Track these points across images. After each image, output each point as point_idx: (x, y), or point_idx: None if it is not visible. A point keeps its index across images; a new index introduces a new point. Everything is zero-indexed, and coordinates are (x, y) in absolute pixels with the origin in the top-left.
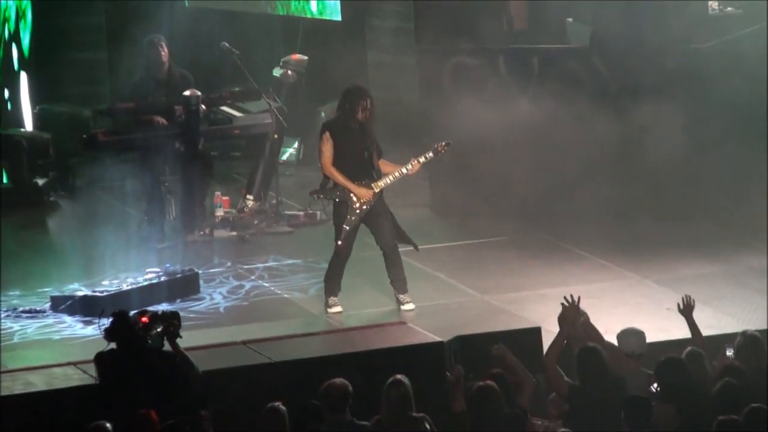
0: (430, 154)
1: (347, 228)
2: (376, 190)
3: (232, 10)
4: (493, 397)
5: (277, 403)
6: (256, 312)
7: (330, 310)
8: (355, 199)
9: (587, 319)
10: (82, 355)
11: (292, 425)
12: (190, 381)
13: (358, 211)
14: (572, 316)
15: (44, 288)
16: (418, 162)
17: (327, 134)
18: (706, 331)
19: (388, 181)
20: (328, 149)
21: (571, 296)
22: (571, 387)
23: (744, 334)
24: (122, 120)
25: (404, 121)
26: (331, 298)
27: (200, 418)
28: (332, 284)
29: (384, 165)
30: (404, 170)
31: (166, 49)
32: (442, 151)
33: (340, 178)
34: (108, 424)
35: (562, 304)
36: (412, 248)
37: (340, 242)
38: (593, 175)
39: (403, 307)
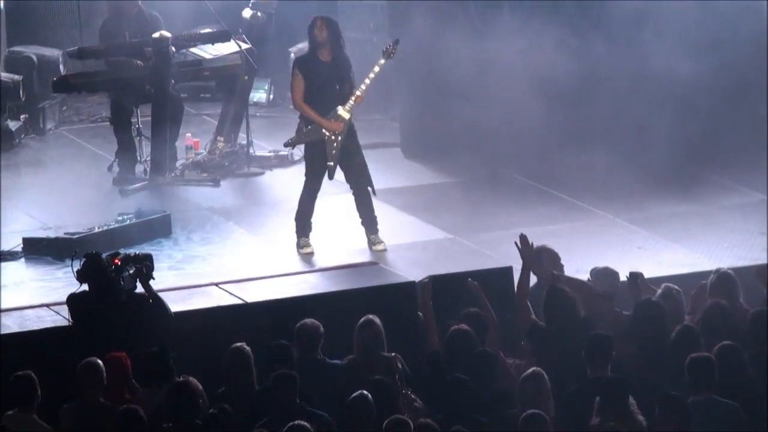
0: (382, 60)
1: (331, 163)
2: (345, 117)
3: None
4: (467, 340)
5: (240, 343)
6: (228, 254)
7: (302, 251)
8: (328, 133)
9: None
10: (55, 297)
11: (263, 365)
12: (162, 322)
13: (335, 144)
14: (529, 252)
15: (16, 230)
16: (373, 73)
17: (296, 69)
18: (679, 270)
19: (352, 103)
20: (298, 84)
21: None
22: (534, 325)
23: (717, 272)
24: (92, 62)
25: (373, 60)
26: (302, 238)
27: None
28: (303, 224)
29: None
30: (363, 86)
31: None
32: (393, 52)
33: (310, 113)
34: (99, 361)
35: (516, 243)
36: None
37: (306, 179)
38: (564, 113)
39: (374, 247)
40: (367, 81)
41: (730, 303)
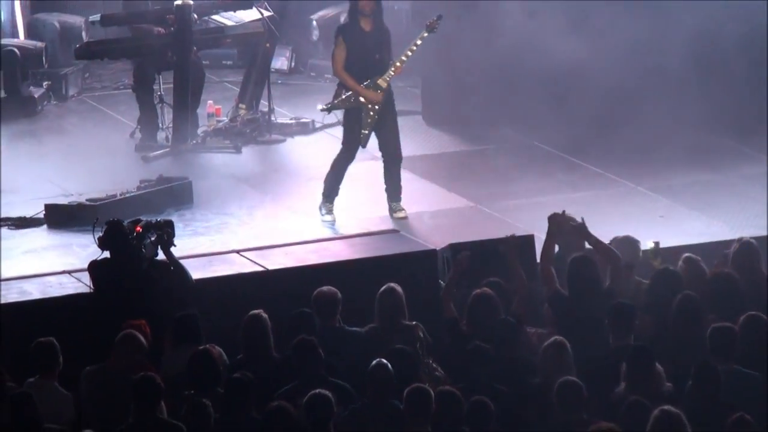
0: (425, 34)
1: (365, 132)
2: (383, 87)
3: None
4: (490, 305)
5: (258, 311)
6: (249, 221)
7: (324, 218)
8: (365, 101)
9: (582, 223)
10: (77, 264)
11: (284, 332)
12: (183, 289)
13: (371, 113)
14: (560, 218)
15: (38, 197)
16: (415, 45)
17: (339, 38)
18: (699, 239)
19: (392, 74)
20: (340, 53)
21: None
22: (556, 293)
23: (740, 240)
24: (114, 29)
25: (393, 25)
26: (327, 204)
27: None
28: (332, 187)
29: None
30: (404, 57)
31: None
32: (436, 27)
33: (349, 81)
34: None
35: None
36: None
37: (342, 145)
38: (585, 80)
39: (395, 215)
40: (408, 53)
41: (752, 272)
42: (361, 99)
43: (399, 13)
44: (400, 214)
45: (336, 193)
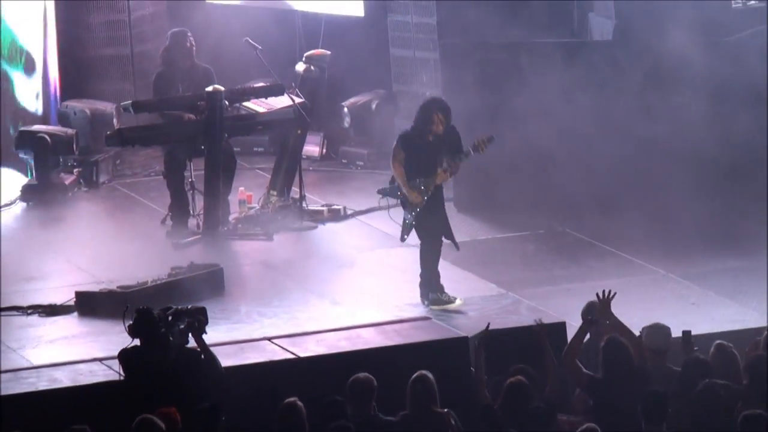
0: (472, 153)
1: (406, 223)
2: (428, 191)
3: (254, 6)
4: (525, 393)
5: (293, 399)
6: (280, 308)
7: (450, 306)
8: (409, 199)
9: (615, 318)
10: (107, 352)
11: (317, 421)
12: (214, 378)
13: (412, 212)
14: (600, 313)
15: (69, 284)
16: (460, 159)
17: (398, 146)
18: (730, 326)
19: (436, 182)
20: (398, 154)
21: (604, 292)
22: (592, 379)
23: None
24: (145, 116)
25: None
26: (443, 294)
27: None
28: (429, 281)
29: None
30: (448, 167)
31: (193, 43)
32: (483, 148)
33: (399, 176)
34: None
35: (591, 302)
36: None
37: (403, 238)
38: (616, 168)
39: (453, 305)
40: (452, 163)
41: None
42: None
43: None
44: (457, 303)
45: (438, 280)
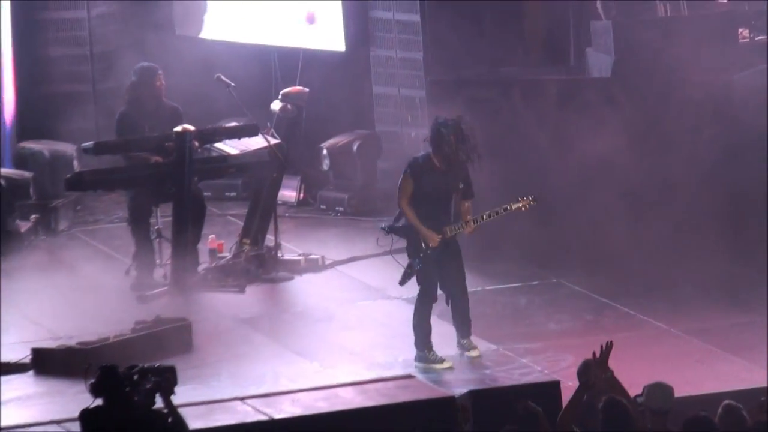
0: (513, 208)
1: (408, 271)
2: (448, 235)
3: (226, 40)
4: None
5: None
6: (253, 366)
7: (436, 366)
8: (422, 241)
9: (612, 374)
10: (65, 413)
11: None
12: None
13: (422, 254)
14: (596, 371)
15: (25, 341)
16: (496, 213)
17: (408, 172)
18: (737, 385)
19: (460, 229)
20: (407, 187)
21: (602, 347)
22: None
23: None
24: (109, 158)
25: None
26: (431, 352)
27: None
28: (424, 333)
29: (467, 210)
30: (481, 219)
31: (163, 81)
32: (526, 208)
33: (411, 218)
34: None
35: (588, 360)
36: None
37: (400, 283)
38: (614, 215)
39: (467, 353)
40: (486, 217)
41: None
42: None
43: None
44: (474, 353)
45: (429, 335)
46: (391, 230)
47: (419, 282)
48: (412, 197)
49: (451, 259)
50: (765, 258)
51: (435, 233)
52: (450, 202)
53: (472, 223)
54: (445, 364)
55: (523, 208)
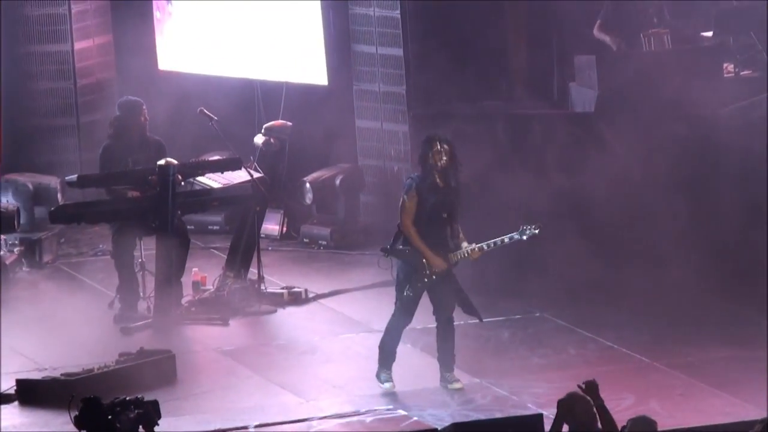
0: (516, 237)
1: (410, 294)
2: (454, 261)
3: (210, 75)
4: None
5: None
6: (237, 399)
7: (383, 386)
8: (426, 266)
9: (602, 402)
10: None
11: None
12: None
13: (425, 279)
14: (579, 405)
15: (9, 372)
16: (501, 242)
17: (413, 189)
18: (722, 419)
19: (466, 255)
20: (411, 207)
21: (586, 383)
22: None
23: (763, 422)
24: (92, 191)
25: (395, 192)
26: (385, 372)
27: None
28: (387, 354)
29: (460, 234)
30: (486, 246)
31: (147, 116)
32: (527, 235)
33: (417, 241)
34: None
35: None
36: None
37: (396, 304)
38: (597, 249)
39: (450, 386)
40: (492, 244)
41: None
42: (423, 260)
43: None
44: (456, 385)
45: (393, 360)
46: (391, 253)
47: (402, 301)
48: (415, 218)
49: (446, 288)
50: (750, 291)
51: (441, 259)
52: (447, 224)
53: (477, 249)
54: (386, 386)
55: (524, 237)
